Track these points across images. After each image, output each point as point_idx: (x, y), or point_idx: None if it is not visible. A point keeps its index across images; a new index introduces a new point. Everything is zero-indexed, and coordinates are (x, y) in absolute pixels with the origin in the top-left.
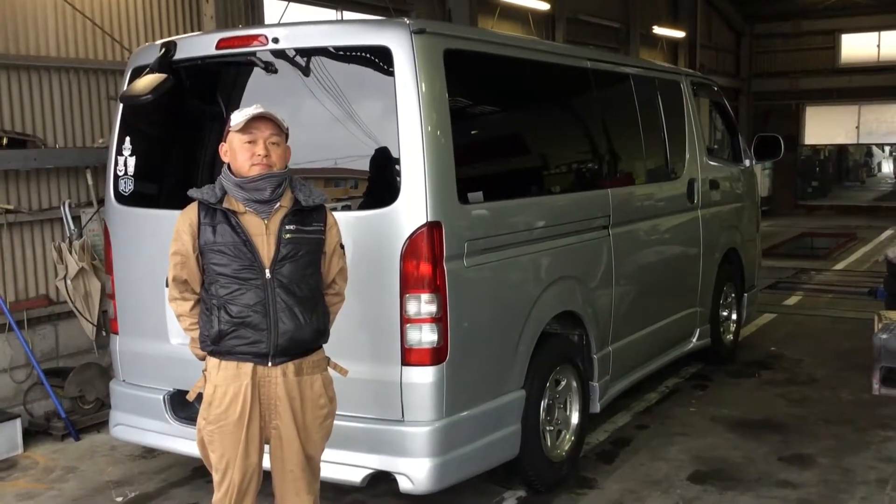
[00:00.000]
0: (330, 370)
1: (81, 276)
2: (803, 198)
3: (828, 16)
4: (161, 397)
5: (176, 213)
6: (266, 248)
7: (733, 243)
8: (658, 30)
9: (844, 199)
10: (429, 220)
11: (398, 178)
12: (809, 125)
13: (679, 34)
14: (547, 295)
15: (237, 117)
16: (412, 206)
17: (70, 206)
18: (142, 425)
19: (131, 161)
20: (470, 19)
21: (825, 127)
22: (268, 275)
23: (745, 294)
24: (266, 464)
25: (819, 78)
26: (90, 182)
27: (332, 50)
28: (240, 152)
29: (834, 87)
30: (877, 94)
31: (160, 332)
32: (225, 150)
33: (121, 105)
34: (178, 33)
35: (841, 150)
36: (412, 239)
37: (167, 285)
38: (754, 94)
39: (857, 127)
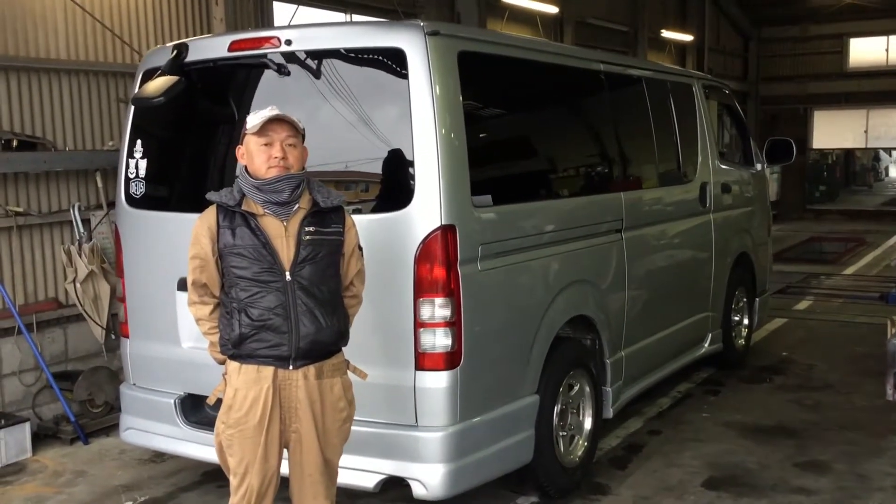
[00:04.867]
0: (349, 373)
1: (91, 280)
2: (811, 202)
3: (836, 20)
4: (172, 401)
5: (187, 215)
6: (286, 250)
7: (745, 247)
8: (666, 33)
9: (852, 203)
10: (443, 223)
11: (412, 181)
12: (818, 129)
13: (687, 38)
14: (560, 299)
15: (253, 119)
16: (426, 210)
17: (80, 208)
18: (152, 429)
19: (142, 164)
20: (479, 22)
21: (833, 131)
22: (288, 277)
23: (757, 298)
24: (283, 468)
25: (827, 82)
26: (100, 185)
27: (345, 52)
28: (256, 154)
29: (842, 91)
30: (885, 99)
31: (171, 335)
32: (241, 153)
33: (132, 107)
34: (187, 35)
35: (848, 154)
36: (426, 242)
37: (179, 289)
38: (762, 98)
39: (866, 131)
